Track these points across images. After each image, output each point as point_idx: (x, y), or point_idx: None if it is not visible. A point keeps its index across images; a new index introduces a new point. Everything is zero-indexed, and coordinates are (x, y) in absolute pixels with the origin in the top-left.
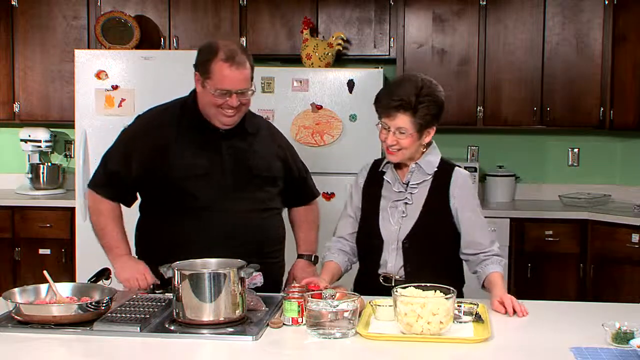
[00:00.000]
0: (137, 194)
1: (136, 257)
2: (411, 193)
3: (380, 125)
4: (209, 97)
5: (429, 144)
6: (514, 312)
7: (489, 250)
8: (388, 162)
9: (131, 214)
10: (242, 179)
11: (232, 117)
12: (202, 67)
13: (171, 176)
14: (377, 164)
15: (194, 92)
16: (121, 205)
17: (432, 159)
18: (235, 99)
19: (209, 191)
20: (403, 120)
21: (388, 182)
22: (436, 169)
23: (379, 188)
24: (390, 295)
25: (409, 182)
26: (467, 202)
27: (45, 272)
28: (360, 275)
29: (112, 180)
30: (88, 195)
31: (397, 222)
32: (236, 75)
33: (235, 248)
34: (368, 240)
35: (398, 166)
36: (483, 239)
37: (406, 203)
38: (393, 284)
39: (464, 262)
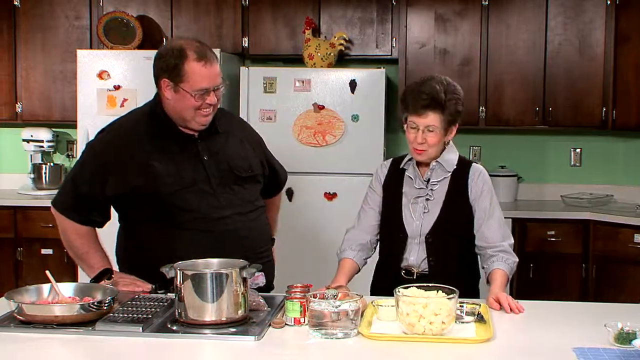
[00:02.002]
0: (113, 211)
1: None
2: (432, 189)
3: (406, 125)
4: (187, 100)
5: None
6: (510, 310)
7: (499, 245)
8: (410, 160)
9: (110, 225)
10: (227, 182)
11: (208, 115)
12: (173, 71)
13: (159, 192)
14: (396, 161)
15: (158, 101)
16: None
17: (451, 157)
18: (213, 96)
19: (199, 201)
20: (433, 118)
21: (410, 177)
22: (455, 167)
23: (400, 185)
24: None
25: (429, 179)
26: (484, 194)
27: (47, 272)
28: (380, 269)
29: (83, 203)
30: (55, 215)
31: (419, 218)
32: (211, 72)
33: (229, 253)
34: (392, 235)
35: (419, 163)
36: (494, 233)
37: (427, 199)
38: (415, 277)
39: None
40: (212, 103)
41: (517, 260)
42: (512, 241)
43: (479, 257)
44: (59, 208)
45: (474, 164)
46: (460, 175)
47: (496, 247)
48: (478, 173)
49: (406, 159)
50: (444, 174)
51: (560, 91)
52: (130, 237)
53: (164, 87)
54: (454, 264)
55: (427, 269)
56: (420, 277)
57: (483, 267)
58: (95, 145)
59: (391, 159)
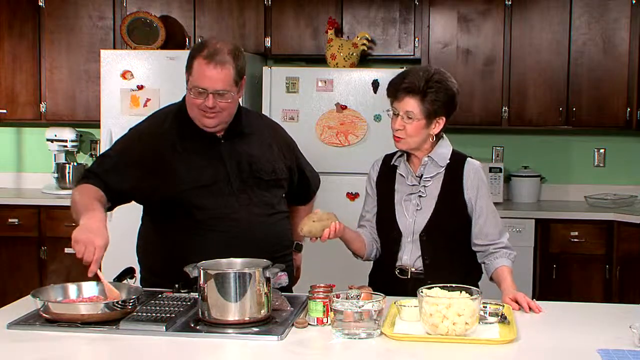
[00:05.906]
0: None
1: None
2: (424, 186)
3: (391, 112)
4: (190, 96)
5: (439, 137)
6: (529, 309)
7: (498, 242)
8: (400, 156)
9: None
10: (248, 184)
11: (211, 119)
12: (188, 64)
13: (176, 190)
14: (388, 158)
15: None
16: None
17: (444, 151)
18: (211, 100)
19: (216, 201)
20: (411, 104)
21: (401, 175)
22: (448, 162)
23: (392, 182)
24: (405, 288)
25: (422, 175)
26: (480, 191)
27: (99, 271)
28: (376, 268)
29: (103, 184)
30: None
31: (412, 216)
32: (213, 74)
33: (243, 255)
34: (386, 233)
35: (410, 159)
36: (492, 229)
37: (420, 196)
38: (409, 277)
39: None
40: (208, 106)
41: (516, 253)
42: (508, 235)
43: (477, 254)
44: (79, 182)
45: (468, 158)
46: (454, 171)
47: (497, 244)
48: (473, 170)
49: (397, 154)
50: (437, 169)
51: (584, 91)
52: (149, 235)
53: (186, 81)
54: (448, 263)
55: (421, 268)
56: (415, 277)
57: (484, 263)
58: (121, 142)
59: (384, 155)
